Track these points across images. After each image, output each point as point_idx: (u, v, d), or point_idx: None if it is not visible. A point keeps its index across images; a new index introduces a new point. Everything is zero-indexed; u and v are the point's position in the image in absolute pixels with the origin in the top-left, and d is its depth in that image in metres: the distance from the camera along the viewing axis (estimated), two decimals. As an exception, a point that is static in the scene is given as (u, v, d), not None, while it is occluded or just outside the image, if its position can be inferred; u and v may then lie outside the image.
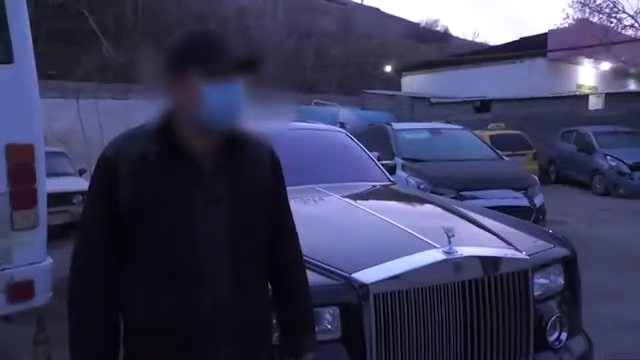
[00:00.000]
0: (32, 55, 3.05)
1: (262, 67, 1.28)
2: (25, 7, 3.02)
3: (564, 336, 2.34)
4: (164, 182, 1.28)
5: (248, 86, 1.27)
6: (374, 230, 2.55)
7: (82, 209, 1.38)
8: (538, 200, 6.47)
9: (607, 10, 18.96)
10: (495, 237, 2.48)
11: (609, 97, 15.48)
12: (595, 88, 20.32)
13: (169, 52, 1.28)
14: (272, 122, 1.42)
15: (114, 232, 1.29)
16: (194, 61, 1.23)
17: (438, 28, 34.89)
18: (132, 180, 1.27)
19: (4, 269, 2.91)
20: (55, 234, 4.38)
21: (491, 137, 11.83)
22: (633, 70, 19.58)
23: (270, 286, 1.47)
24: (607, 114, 14.46)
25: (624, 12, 18.72)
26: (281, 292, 1.48)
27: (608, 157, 11.88)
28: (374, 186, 3.68)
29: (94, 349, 1.30)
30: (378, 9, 32.01)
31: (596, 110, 15.33)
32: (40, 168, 3.05)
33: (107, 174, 1.29)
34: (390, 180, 3.92)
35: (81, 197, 7.72)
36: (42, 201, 3.06)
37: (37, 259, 3.05)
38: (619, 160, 11.69)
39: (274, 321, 1.50)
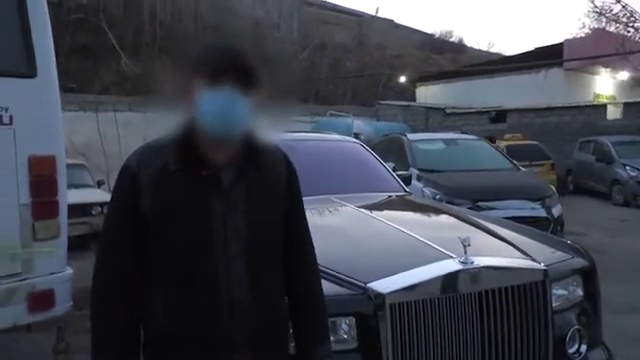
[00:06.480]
0: (55, 69, 3.12)
1: (263, 76, 1.28)
2: (48, 22, 3.10)
3: (584, 348, 2.31)
4: (184, 192, 1.30)
5: (259, 96, 1.28)
6: (390, 240, 2.55)
7: (104, 217, 1.42)
8: (556, 211, 6.40)
9: (624, 19, 18.72)
10: (512, 247, 2.47)
11: (627, 106, 15.28)
12: (613, 97, 20.04)
13: (181, 61, 1.32)
14: (272, 131, 1.41)
15: (135, 239, 1.32)
16: (194, 67, 1.27)
17: (452, 39, 34.74)
18: (153, 190, 1.30)
19: (25, 279, 2.96)
20: (74, 245, 4.43)
21: (507, 147, 11.74)
22: (652, 79, 19.31)
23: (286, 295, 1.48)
24: (626, 123, 14.29)
25: (641, 21, 18.49)
26: (296, 301, 1.49)
27: (627, 167, 11.71)
28: (389, 196, 3.69)
29: (116, 352, 1.33)
30: (392, 20, 31.91)
31: (614, 120, 15.14)
32: (62, 179, 3.11)
33: (129, 183, 1.32)
34: (405, 190, 3.93)
35: (100, 209, 7.79)
36: (63, 212, 3.11)
37: (58, 269, 3.10)
38: (638, 170, 11.51)
39: (290, 330, 1.50)
